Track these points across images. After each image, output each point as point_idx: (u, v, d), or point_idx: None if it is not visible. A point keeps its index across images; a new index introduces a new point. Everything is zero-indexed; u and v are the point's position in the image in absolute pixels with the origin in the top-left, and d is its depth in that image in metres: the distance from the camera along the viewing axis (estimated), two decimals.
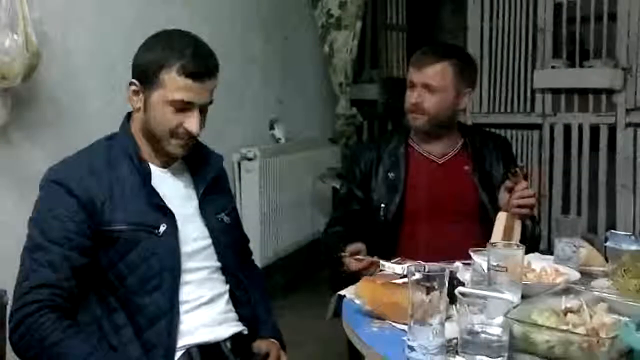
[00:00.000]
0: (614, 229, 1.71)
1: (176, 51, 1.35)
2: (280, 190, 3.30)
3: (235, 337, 1.43)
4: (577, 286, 1.29)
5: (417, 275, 1.08)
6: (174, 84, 1.34)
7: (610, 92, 3.41)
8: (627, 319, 1.07)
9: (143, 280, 1.34)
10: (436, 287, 1.07)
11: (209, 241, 1.46)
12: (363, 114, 3.96)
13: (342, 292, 1.48)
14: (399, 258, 1.58)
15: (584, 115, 3.52)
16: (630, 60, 3.36)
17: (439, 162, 1.93)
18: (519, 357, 1.07)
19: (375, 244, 1.73)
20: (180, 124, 1.37)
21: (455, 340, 1.12)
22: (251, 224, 2.96)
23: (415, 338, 1.07)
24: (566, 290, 1.23)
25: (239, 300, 1.49)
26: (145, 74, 1.37)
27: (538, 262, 1.49)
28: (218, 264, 1.47)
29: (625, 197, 3.41)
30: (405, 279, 1.19)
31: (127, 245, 1.34)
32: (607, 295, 1.25)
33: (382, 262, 1.54)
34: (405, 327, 1.13)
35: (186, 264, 1.39)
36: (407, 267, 1.16)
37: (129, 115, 1.47)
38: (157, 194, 1.39)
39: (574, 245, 1.52)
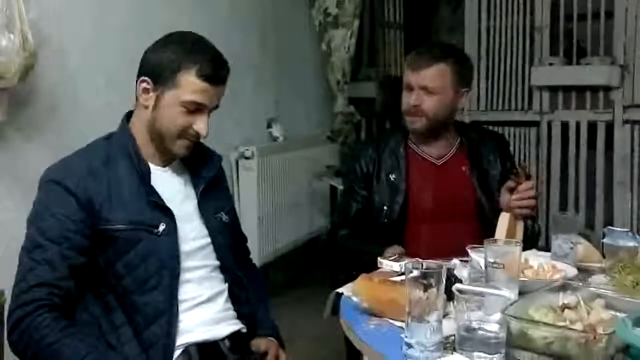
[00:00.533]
0: (611, 226, 1.70)
1: (196, 54, 1.37)
2: (278, 189, 3.31)
3: (233, 336, 1.44)
4: (574, 282, 1.29)
5: (415, 273, 1.08)
6: (191, 85, 1.36)
7: (607, 89, 3.41)
8: (624, 315, 1.08)
9: (142, 279, 1.34)
10: (433, 284, 1.07)
11: (207, 240, 1.46)
12: (361, 112, 3.96)
13: (339, 290, 1.48)
14: (396, 255, 1.59)
15: (582, 113, 3.52)
16: (628, 58, 3.35)
17: (437, 164, 1.94)
18: (516, 353, 1.07)
19: (378, 244, 1.73)
20: (190, 125, 1.39)
21: (452, 337, 1.13)
22: (249, 223, 2.96)
23: (413, 335, 1.08)
24: (563, 287, 1.23)
25: (237, 299, 1.49)
26: (160, 73, 1.37)
27: (535, 259, 1.49)
28: (217, 262, 1.47)
29: (622, 193, 3.42)
30: (403, 277, 1.19)
31: (126, 244, 1.34)
32: (604, 291, 1.25)
33: (379, 259, 1.54)
34: (402, 325, 1.13)
35: (185, 262, 1.39)
36: (405, 264, 1.16)
37: (128, 115, 1.47)
38: (156, 193, 1.39)
39: (571, 242, 1.52)
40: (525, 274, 1.40)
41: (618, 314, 1.12)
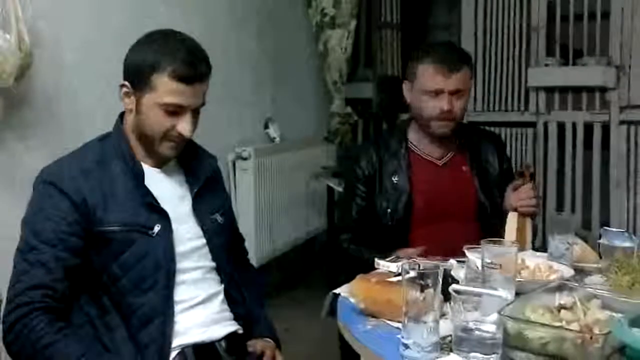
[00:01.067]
0: (608, 226, 1.71)
1: (168, 54, 1.33)
2: (275, 190, 3.30)
3: (230, 337, 1.43)
4: (570, 283, 1.29)
5: (411, 273, 1.08)
6: (166, 87, 1.33)
7: (603, 90, 3.42)
8: (621, 315, 1.08)
9: (137, 281, 1.33)
10: (430, 284, 1.08)
11: (203, 241, 1.45)
12: (358, 113, 3.96)
13: (336, 291, 1.48)
14: (394, 256, 1.58)
15: (578, 113, 3.53)
16: (624, 58, 3.37)
17: (439, 164, 1.94)
18: (513, 354, 1.07)
19: (381, 248, 1.72)
20: (172, 126, 1.37)
21: (449, 338, 1.12)
22: (246, 223, 2.96)
23: (410, 336, 1.08)
24: (560, 287, 1.24)
25: (234, 300, 1.48)
26: (136, 77, 1.36)
27: (532, 259, 1.49)
28: (212, 263, 1.46)
29: (618, 194, 3.43)
30: (400, 277, 1.19)
31: (120, 245, 1.33)
32: (600, 291, 1.26)
33: (377, 260, 1.54)
34: (399, 325, 1.13)
35: (180, 264, 1.39)
36: (402, 265, 1.16)
37: (122, 115, 1.46)
38: (151, 194, 1.38)
39: (568, 243, 1.52)
40: (522, 275, 1.40)
41: (614, 314, 1.12)
